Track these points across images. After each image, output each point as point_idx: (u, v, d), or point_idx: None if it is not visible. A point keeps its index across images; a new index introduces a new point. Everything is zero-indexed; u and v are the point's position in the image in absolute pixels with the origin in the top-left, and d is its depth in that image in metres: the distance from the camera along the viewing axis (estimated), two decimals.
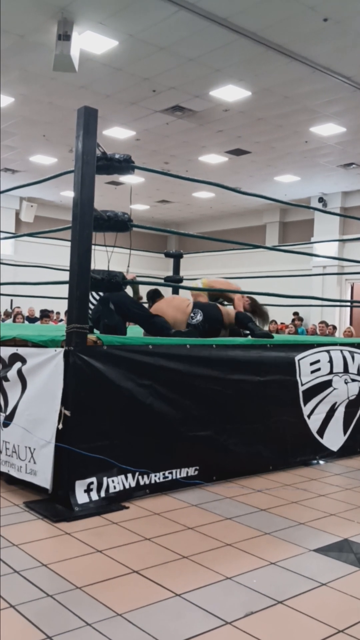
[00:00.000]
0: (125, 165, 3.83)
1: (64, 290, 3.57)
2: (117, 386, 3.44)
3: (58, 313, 15.26)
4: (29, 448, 3.39)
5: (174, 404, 3.67)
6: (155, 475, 3.52)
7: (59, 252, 9.42)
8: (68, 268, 3.47)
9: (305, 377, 4.47)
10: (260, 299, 5.35)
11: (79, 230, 3.40)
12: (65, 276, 3.51)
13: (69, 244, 3.48)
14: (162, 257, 8.35)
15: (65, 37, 7.58)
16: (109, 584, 2.37)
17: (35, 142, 12.70)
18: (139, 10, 7.13)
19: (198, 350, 3.90)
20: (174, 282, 8.17)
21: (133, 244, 4.91)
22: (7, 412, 3.62)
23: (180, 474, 3.64)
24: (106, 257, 4.71)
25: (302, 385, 4.45)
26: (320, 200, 16.60)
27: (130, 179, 14.49)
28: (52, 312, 14.56)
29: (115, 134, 11.79)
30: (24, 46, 8.23)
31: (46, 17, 7.41)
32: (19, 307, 14.32)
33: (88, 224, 3.43)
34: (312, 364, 4.55)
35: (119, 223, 3.76)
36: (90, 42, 7.95)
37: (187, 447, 3.71)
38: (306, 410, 4.48)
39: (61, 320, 14.67)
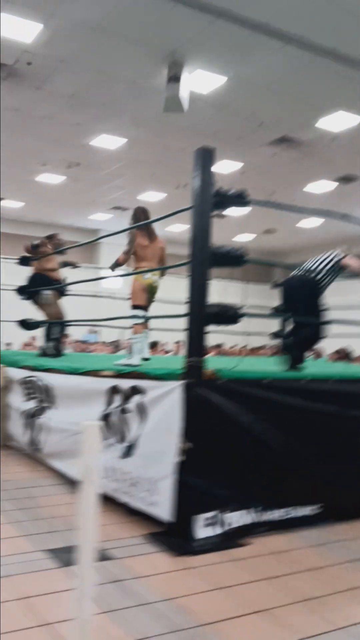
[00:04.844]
0: (239, 200, 3.89)
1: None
2: (234, 420, 3.44)
3: (165, 343, 15.51)
4: (149, 480, 3.46)
5: (292, 439, 3.60)
6: (275, 513, 3.46)
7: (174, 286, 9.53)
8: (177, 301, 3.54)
9: None
10: None
11: (197, 266, 3.47)
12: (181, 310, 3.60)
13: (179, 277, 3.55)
14: (261, 286, 8.30)
15: (175, 78, 7.91)
16: (235, 622, 2.34)
17: (144, 181, 13.21)
18: (247, 47, 7.29)
19: (315, 385, 3.83)
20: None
21: (235, 274, 4.95)
22: (128, 443, 3.72)
23: (301, 512, 3.54)
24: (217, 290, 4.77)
25: None
26: None
27: (236, 211, 14.63)
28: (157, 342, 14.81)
29: (221, 168, 12.00)
30: (135, 90, 8.66)
31: (157, 61, 7.76)
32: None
33: (205, 260, 3.50)
34: None
35: (234, 258, 3.80)
36: (199, 80, 8.21)
37: (308, 485, 3.62)
38: None
39: (168, 351, 14.91)
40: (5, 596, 2.48)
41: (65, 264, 7.14)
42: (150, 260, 5.37)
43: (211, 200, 3.53)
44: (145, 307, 5.36)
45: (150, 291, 5.38)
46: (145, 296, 5.35)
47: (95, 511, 1.75)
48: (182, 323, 3.65)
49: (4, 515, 3.59)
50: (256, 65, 7.73)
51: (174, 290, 8.94)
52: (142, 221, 5.44)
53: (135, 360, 5.17)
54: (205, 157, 3.50)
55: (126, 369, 4.17)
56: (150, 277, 5.30)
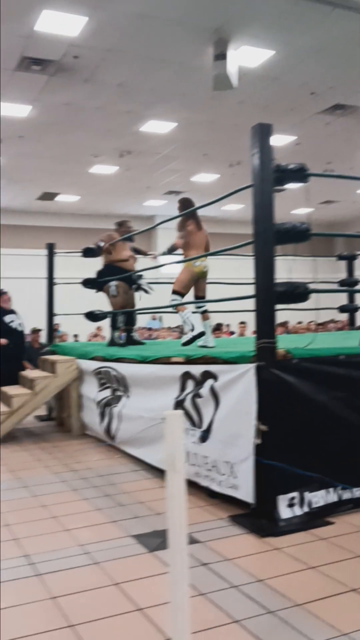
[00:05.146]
0: (299, 174, 3.80)
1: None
2: (311, 399, 3.40)
3: (228, 325, 15.43)
4: (228, 463, 3.47)
5: None
6: (357, 491, 3.40)
7: (239, 266, 9.39)
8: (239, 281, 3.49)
9: None
10: None
11: (261, 245, 3.42)
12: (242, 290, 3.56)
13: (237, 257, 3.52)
14: (326, 259, 8.10)
15: (221, 56, 7.76)
16: (328, 601, 2.33)
17: (196, 163, 13.10)
18: (293, 16, 7.07)
19: None
20: (350, 285, 7.92)
21: (299, 248, 4.82)
22: (204, 428, 3.74)
23: None
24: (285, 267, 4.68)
25: None
26: None
27: (293, 184, 14.34)
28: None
29: (275, 141, 11.75)
30: (182, 72, 8.56)
31: (202, 40, 7.64)
32: None
33: (269, 239, 3.44)
34: None
35: (299, 233, 3.72)
36: (246, 56, 8.04)
37: None
38: None
39: (232, 332, 14.84)
40: (99, 582, 2.55)
41: (136, 252, 7.07)
42: (199, 248, 5.45)
43: (271, 177, 3.46)
44: (183, 295, 5.41)
45: (202, 277, 5.44)
46: (191, 285, 5.40)
47: (183, 498, 1.76)
48: (245, 304, 3.62)
49: (89, 502, 3.70)
50: (303, 33, 7.48)
51: (236, 271, 8.89)
52: (189, 209, 5.47)
53: (196, 330, 5.18)
54: (263, 134, 3.45)
55: (199, 353, 4.16)
56: (200, 264, 5.37)
